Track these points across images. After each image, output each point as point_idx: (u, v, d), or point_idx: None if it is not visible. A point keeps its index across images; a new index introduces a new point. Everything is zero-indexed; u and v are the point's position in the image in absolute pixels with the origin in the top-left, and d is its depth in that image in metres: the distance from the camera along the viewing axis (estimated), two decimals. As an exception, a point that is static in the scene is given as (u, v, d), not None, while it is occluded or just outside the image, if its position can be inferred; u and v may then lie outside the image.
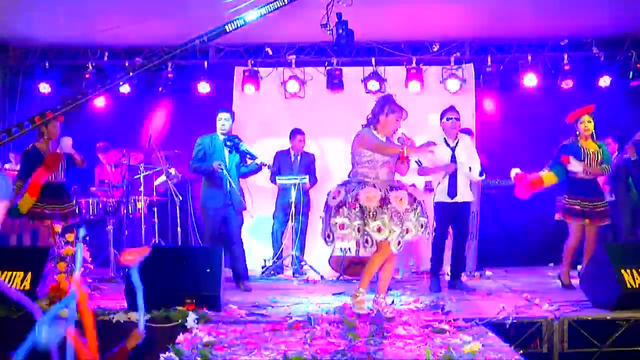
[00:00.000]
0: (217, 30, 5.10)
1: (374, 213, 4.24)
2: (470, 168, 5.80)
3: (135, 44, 7.85)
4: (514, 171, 5.75)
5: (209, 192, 5.91)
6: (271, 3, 5.20)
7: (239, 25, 5.06)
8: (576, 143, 5.68)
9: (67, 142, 5.78)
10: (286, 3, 5.17)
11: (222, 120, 5.93)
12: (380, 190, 4.32)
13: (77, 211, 6.28)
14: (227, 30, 5.08)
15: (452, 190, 5.75)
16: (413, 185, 5.06)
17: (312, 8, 5.87)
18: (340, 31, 5.53)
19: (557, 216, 5.74)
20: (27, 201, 5.60)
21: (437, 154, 5.44)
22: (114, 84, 5.64)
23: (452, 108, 5.90)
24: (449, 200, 5.77)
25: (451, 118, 5.82)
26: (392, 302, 4.89)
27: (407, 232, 4.33)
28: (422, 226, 4.40)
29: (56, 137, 5.83)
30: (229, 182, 5.81)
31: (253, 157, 5.90)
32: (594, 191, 5.64)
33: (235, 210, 5.90)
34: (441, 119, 5.88)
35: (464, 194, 5.80)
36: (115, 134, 7.66)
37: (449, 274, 6.01)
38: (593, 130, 5.66)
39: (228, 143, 5.86)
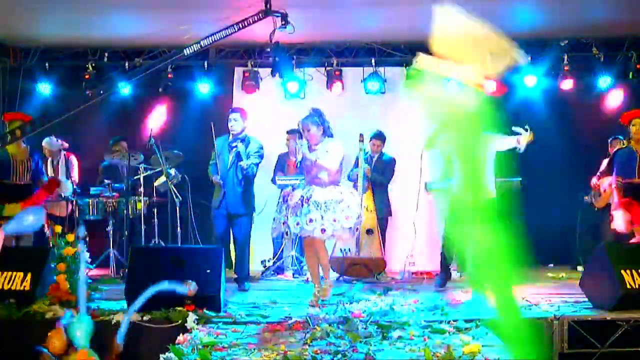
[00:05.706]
0: (173, 54, 5.28)
1: None
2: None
3: (135, 44, 7.84)
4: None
5: (214, 194, 6.04)
6: (224, 30, 5.37)
7: (195, 50, 5.23)
8: (630, 147, 5.66)
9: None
10: (236, 30, 5.38)
11: (231, 121, 6.01)
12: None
13: None
14: (185, 54, 5.24)
15: None
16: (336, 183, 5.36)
17: (312, 8, 5.89)
18: (277, 59, 6.04)
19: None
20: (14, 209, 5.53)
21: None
22: (101, 95, 5.70)
23: None
24: None
25: None
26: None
27: (297, 225, 5.01)
28: (310, 221, 4.90)
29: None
30: (224, 185, 5.93)
31: (239, 160, 5.89)
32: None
33: (232, 212, 5.91)
34: None
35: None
36: (114, 134, 7.64)
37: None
38: None
39: (232, 144, 5.90)
